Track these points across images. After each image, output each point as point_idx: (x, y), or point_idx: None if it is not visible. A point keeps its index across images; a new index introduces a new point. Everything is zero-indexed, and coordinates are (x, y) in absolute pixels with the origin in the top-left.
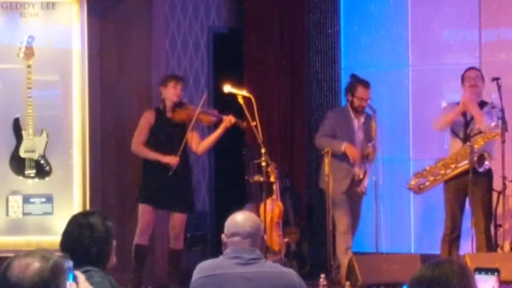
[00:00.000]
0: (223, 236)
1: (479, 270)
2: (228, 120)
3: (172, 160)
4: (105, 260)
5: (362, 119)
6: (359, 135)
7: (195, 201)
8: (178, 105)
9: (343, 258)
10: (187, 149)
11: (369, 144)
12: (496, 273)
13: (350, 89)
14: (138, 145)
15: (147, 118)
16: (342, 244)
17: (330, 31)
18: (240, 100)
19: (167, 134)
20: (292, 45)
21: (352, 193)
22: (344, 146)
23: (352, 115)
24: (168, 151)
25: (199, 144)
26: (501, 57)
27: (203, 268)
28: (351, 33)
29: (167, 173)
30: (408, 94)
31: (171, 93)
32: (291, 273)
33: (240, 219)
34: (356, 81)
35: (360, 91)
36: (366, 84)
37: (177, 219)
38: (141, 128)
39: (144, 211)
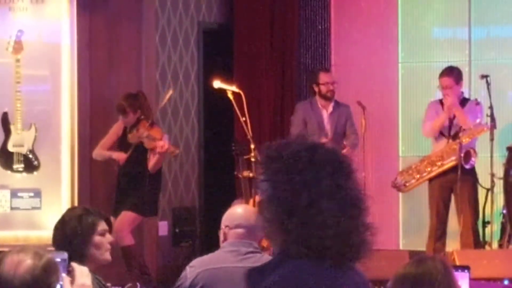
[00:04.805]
0: (223, 227)
1: None
2: (160, 146)
3: (119, 155)
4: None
5: (331, 109)
6: (329, 126)
7: (149, 207)
8: (134, 124)
9: None
10: (143, 159)
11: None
12: (466, 270)
13: (313, 80)
14: (98, 149)
15: (116, 129)
16: None
17: (320, 27)
18: (230, 96)
19: (126, 150)
20: (282, 41)
21: None
22: None
23: (320, 105)
24: (125, 166)
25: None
26: (491, 55)
27: (202, 262)
28: (341, 30)
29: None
30: (397, 91)
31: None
32: None
33: (244, 212)
34: (315, 70)
35: (322, 77)
36: (325, 69)
37: (119, 216)
38: (108, 137)
39: None
